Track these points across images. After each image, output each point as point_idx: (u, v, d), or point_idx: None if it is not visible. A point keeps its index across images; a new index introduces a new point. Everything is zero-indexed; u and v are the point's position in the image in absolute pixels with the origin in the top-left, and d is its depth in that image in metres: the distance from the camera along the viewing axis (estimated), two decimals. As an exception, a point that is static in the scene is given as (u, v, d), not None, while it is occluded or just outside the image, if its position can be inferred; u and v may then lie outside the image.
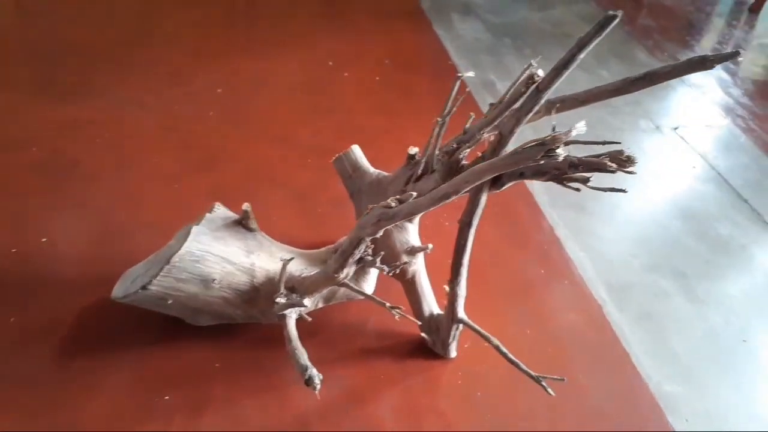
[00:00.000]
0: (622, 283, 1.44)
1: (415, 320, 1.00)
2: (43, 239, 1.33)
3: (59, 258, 1.29)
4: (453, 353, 1.20)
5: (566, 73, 0.75)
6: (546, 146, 0.66)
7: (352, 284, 0.96)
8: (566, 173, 0.79)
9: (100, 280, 1.19)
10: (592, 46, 0.74)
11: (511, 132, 0.83)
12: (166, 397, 1.07)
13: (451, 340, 1.16)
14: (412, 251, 1.11)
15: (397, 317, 0.91)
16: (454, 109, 0.92)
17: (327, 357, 1.19)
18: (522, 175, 0.84)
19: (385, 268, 0.91)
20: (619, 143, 0.78)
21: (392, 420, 1.10)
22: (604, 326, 1.32)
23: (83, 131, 1.68)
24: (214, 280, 1.04)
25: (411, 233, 1.12)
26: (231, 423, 1.05)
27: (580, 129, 0.67)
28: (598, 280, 1.43)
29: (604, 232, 1.59)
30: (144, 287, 1.00)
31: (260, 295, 1.09)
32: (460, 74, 0.98)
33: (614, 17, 0.70)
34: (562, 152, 0.67)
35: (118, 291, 1.09)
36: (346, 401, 1.13)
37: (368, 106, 1.97)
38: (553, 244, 1.52)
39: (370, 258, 0.90)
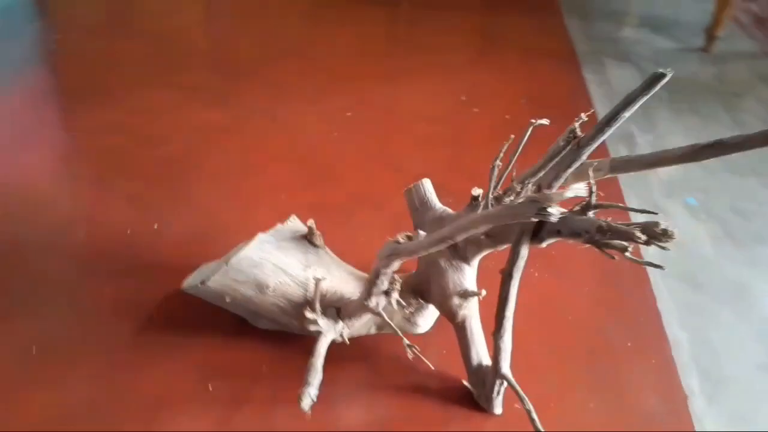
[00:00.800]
0: (721, 376, 1.26)
1: (429, 363, 0.96)
2: (155, 226, 1.49)
3: (162, 245, 1.43)
4: (497, 410, 1.13)
5: (609, 131, 0.70)
6: (538, 203, 0.61)
7: (384, 315, 0.96)
8: (596, 238, 0.72)
9: (190, 271, 1.30)
10: (638, 104, 0.67)
11: (549, 186, 0.78)
12: (210, 388, 1.14)
13: (495, 395, 1.10)
14: (464, 294, 1.08)
15: (410, 356, 0.89)
16: (501, 154, 0.89)
17: (372, 383, 1.18)
18: (559, 233, 0.79)
19: (402, 302, 0.89)
20: (656, 214, 0.70)
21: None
22: (684, 420, 1.16)
23: (218, 135, 1.86)
24: (268, 287, 1.09)
25: (467, 276, 1.09)
26: (260, 424, 1.09)
27: (578, 191, 0.62)
28: (692, 367, 1.27)
29: (718, 315, 1.41)
30: (203, 282, 1.08)
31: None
32: (534, 121, 0.94)
33: (663, 76, 0.64)
34: (555, 212, 0.62)
35: (187, 282, 1.18)
36: (384, 426, 1.11)
37: (490, 144, 1.94)
38: (651, 317, 1.38)
39: (392, 292, 0.90)
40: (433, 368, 1.07)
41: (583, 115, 0.74)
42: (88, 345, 1.19)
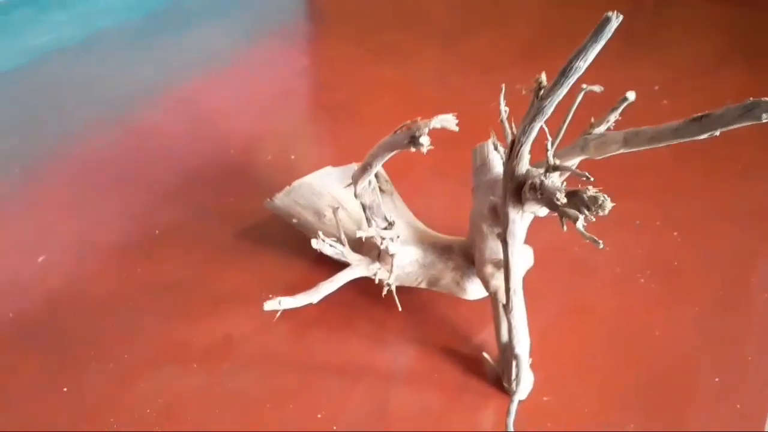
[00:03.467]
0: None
1: (399, 304, 0.95)
2: (292, 156, 1.66)
3: (293, 173, 1.58)
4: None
5: (567, 83, 0.63)
6: (411, 131, 0.60)
7: (382, 243, 0.96)
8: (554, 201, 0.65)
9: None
10: (591, 54, 0.60)
11: (518, 141, 0.72)
12: (270, 295, 1.25)
13: (513, 376, 1.04)
14: (498, 264, 1.03)
15: (383, 294, 0.90)
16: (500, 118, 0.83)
17: (412, 334, 1.19)
18: (523, 193, 0.72)
19: (379, 237, 0.89)
20: (592, 180, 0.61)
21: (413, 419, 1.06)
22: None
23: (382, 89, 1.97)
24: (325, 216, 1.17)
25: (507, 245, 1.03)
26: (293, 339, 1.18)
27: (444, 121, 0.58)
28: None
29: None
30: (270, 199, 1.20)
31: (363, 246, 1.18)
32: (585, 86, 0.87)
33: (609, 20, 0.56)
34: (426, 142, 0.59)
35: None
36: (396, 376, 1.14)
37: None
38: (761, 359, 1.15)
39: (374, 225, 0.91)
40: (400, 309, 1.06)
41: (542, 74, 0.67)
42: (196, 237, 1.40)
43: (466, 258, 1.14)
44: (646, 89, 1.97)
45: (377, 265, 1.10)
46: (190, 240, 1.40)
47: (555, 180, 0.68)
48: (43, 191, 1.57)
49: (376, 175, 1.19)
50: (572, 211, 0.64)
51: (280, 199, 1.20)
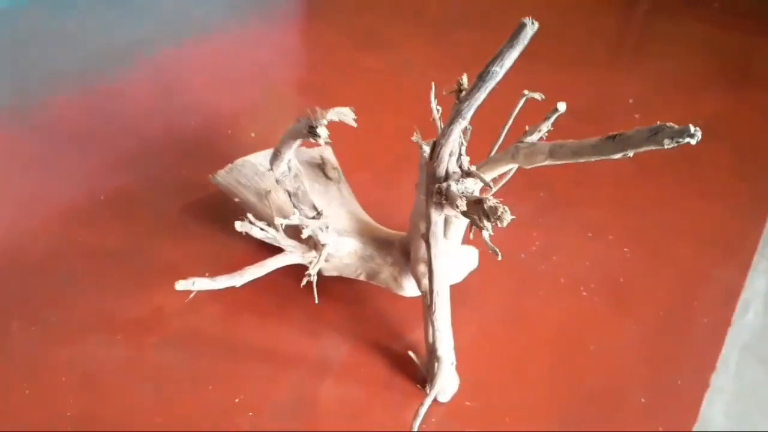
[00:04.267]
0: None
1: (317, 297, 0.93)
2: (253, 134, 1.63)
3: (249, 150, 1.55)
4: (439, 397, 1.05)
5: (485, 87, 0.61)
6: (309, 122, 0.57)
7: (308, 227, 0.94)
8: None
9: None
10: (508, 60, 0.58)
11: (438, 143, 0.70)
12: (207, 273, 1.23)
13: (433, 378, 1.02)
14: (430, 264, 1.01)
15: (302, 284, 0.88)
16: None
17: (345, 327, 1.18)
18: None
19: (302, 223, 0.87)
20: (494, 190, 0.59)
21: (333, 413, 1.05)
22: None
23: (360, 76, 1.95)
24: (266, 198, 1.15)
25: (441, 246, 1.01)
26: (224, 318, 1.17)
27: (341, 115, 0.56)
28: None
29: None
30: (213, 175, 1.18)
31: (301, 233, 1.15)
32: (526, 92, 0.84)
33: (524, 26, 0.53)
34: (323, 134, 0.57)
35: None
36: (324, 367, 1.12)
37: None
38: (694, 385, 1.14)
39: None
40: (317, 302, 1.04)
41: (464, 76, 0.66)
42: (142, 207, 1.38)
43: (405, 254, 1.12)
44: (622, 101, 1.96)
45: (313, 253, 1.08)
46: (135, 209, 1.37)
47: (469, 186, 0.67)
48: (-7, 146, 1.54)
49: (323, 162, 1.17)
50: (478, 219, 0.62)
51: (222, 177, 1.17)
